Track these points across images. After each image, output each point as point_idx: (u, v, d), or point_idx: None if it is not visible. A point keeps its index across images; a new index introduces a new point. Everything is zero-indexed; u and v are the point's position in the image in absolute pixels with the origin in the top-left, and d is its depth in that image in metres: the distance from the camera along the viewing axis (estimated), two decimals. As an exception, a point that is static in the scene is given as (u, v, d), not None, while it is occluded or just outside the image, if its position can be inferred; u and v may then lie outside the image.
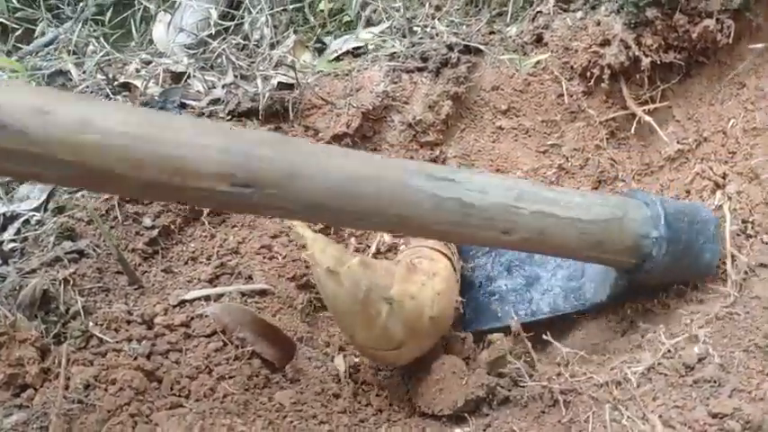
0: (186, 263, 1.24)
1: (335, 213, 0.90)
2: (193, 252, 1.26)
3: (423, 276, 1.13)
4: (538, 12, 1.44)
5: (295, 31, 1.64)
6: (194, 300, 1.15)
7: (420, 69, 1.48)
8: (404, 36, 1.55)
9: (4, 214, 1.26)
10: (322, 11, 1.66)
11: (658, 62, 1.32)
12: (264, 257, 1.29)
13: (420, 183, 0.92)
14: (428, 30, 1.55)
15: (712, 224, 1.12)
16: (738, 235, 1.15)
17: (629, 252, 1.06)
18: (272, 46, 1.57)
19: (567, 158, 1.42)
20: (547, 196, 1.00)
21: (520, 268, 1.30)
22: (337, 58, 1.55)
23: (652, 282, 1.13)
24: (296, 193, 0.85)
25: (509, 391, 1.08)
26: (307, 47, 1.60)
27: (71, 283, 1.11)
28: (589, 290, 1.20)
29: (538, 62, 1.42)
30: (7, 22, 1.60)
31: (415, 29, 1.56)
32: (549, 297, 1.24)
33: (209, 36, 1.59)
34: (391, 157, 1.44)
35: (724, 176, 1.26)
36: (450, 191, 0.93)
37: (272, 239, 1.31)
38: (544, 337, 1.10)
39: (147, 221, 1.25)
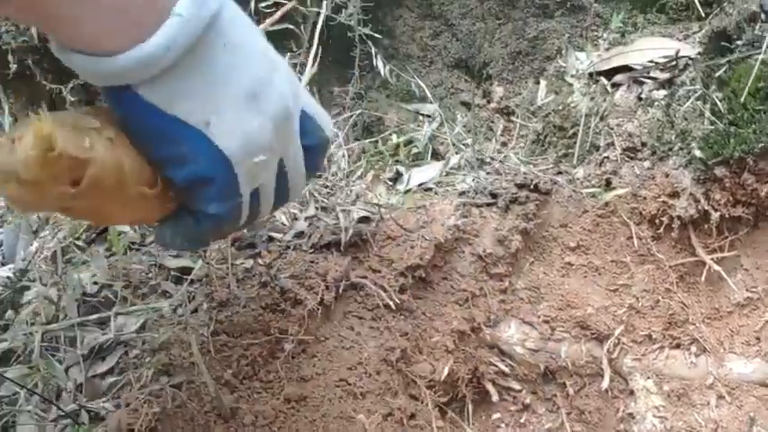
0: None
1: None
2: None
3: None
4: (605, 157, 1.51)
5: (368, 161, 1.73)
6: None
7: (489, 205, 1.56)
8: (473, 171, 1.63)
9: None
10: (395, 143, 1.75)
11: (727, 216, 1.38)
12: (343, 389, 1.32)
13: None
14: (496, 166, 1.63)
15: None
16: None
17: None
18: (347, 175, 1.66)
19: (638, 299, 1.45)
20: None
21: None
22: (410, 191, 1.63)
23: None
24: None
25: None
26: (382, 180, 1.68)
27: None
28: None
29: (606, 204, 1.48)
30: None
31: (484, 166, 1.64)
32: None
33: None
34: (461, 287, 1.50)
35: (794, 327, 1.30)
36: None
37: (349, 371, 1.35)
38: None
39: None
